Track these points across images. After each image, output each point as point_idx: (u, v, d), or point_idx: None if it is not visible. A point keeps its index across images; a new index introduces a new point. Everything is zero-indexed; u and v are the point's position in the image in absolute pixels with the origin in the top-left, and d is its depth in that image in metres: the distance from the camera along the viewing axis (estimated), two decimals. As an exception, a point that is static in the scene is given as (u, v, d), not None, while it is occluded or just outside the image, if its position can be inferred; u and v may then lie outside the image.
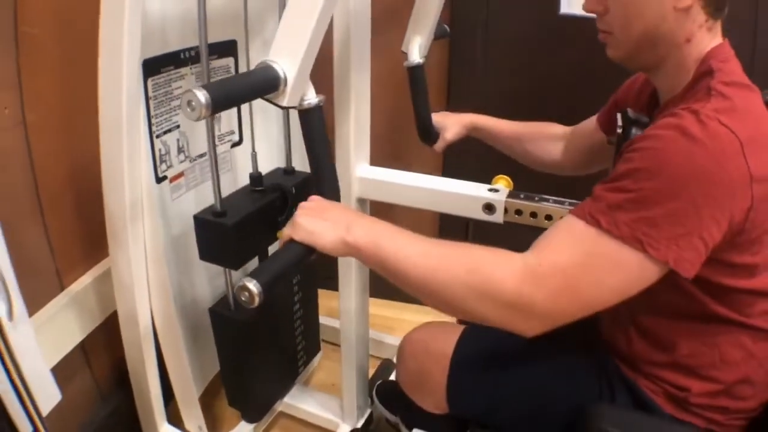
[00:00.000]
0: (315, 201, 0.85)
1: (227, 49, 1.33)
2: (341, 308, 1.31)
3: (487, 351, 1.01)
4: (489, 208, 1.09)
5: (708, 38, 0.80)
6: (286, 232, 0.81)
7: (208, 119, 1.13)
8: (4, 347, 0.76)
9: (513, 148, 1.31)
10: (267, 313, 1.33)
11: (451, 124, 1.31)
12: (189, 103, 0.69)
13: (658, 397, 0.88)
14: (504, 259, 0.73)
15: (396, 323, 1.76)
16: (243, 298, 0.74)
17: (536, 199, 1.06)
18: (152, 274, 1.14)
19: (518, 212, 1.07)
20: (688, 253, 0.70)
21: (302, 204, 0.83)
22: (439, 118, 1.32)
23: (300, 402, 1.48)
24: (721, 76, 0.76)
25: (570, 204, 1.03)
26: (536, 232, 0.82)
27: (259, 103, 0.88)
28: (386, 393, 1.46)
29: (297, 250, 0.79)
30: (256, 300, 0.73)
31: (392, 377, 1.60)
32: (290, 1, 0.79)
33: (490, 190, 1.10)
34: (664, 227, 0.68)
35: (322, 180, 0.89)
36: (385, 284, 0.81)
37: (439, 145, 1.32)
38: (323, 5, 0.77)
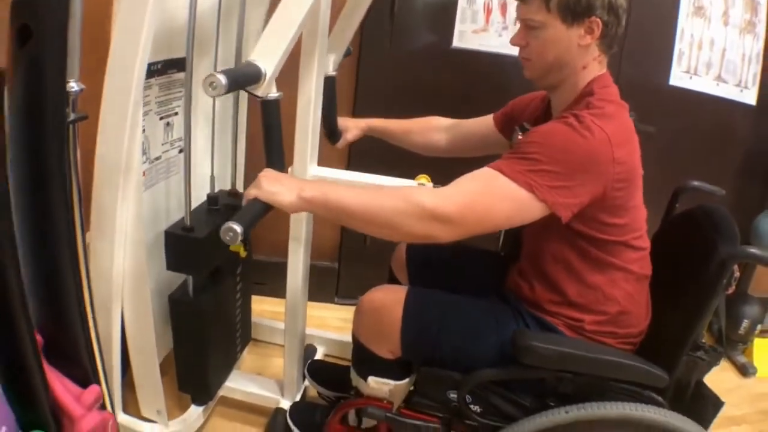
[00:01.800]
0: (270, 172, 1.11)
1: (183, 65, 1.47)
2: (287, 306, 1.51)
3: (429, 304, 1.25)
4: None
5: (597, 68, 1.14)
6: (252, 192, 1.06)
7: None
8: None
9: (403, 141, 1.63)
10: (219, 299, 1.47)
11: (351, 127, 1.61)
12: (211, 83, 0.92)
13: (560, 327, 1.19)
14: (427, 188, 1.04)
15: (310, 319, 1.97)
16: (228, 237, 0.97)
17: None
18: (129, 264, 1.24)
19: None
20: (561, 200, 1.02)
21: (261, 174, 1.09)
22: (341, 122, 1.60)
23: (240, 385, 1.62)
24: (598, 96, 1.10)
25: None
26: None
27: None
28: (315, 371, 1.68)
29: (260, 206, 1.05)
30: (239, 238, 0.96)
31: (317, 357, 1.82)
32: (273, 16, 1.04)
33: (419, 184, 1.39)
34: (546, 179, 1.01)
35: (275, 157, 1.16)
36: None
37: (341, 144, 1.61)
38: (299, 23, 1.04)
